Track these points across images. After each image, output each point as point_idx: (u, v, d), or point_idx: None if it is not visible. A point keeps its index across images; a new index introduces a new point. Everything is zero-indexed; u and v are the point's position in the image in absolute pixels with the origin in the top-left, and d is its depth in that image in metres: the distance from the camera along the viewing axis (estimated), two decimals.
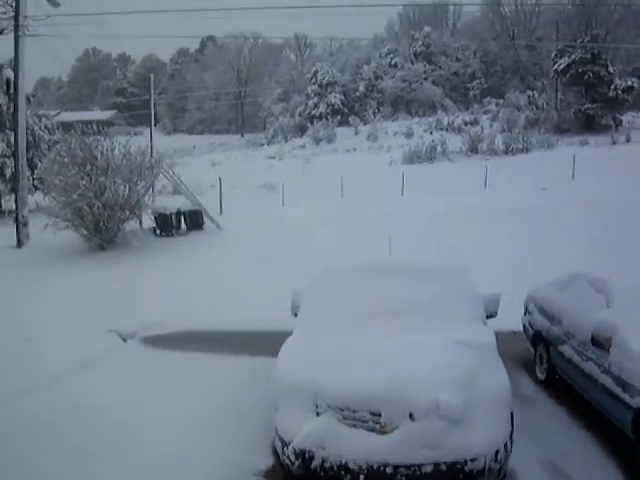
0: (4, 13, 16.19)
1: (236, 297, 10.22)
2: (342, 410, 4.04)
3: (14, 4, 16.08)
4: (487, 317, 5.51)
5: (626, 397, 4.46)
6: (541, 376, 6.49)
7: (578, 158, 23.16)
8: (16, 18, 16.10)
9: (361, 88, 56.25)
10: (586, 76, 36.24)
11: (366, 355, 4.39)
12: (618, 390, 4.59)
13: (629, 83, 37.18)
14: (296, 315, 5.80)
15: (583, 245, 11.81)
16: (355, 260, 7.26)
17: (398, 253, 7.72)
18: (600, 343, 4.89)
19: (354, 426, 3.99)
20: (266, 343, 6.38)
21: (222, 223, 17.05)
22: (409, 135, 41.57)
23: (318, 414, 4.13)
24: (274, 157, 41.54)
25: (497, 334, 7.09)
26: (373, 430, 3.94)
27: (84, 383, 6.60)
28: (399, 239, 9.41)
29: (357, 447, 3.89)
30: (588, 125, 35.93)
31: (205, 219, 17.02)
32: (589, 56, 36.51)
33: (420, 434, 3.83)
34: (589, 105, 35.99)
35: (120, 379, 6.72)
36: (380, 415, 3.93)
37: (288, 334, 5.29)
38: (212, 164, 38.78)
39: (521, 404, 5.58)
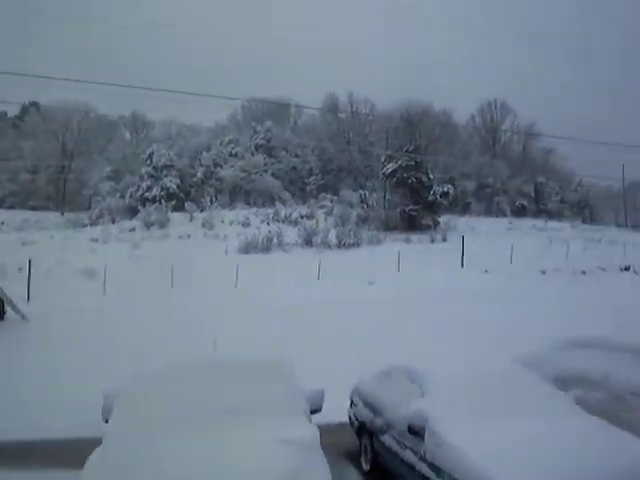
0: None
1: (45, 399, 9.25)
2: None
3: None
4: (311, 412, 5.61)
5: None
6: (366, 467, 6.80)
7: (402, 254, 25.61)
8: None
9: (199, 174, 56.40)
10: (410, 181, 40.97)
11: (178, 465, 4.16)
12: (432, 475, 5.01)
13: (445, 189, 42.97)
14: (107, 421, 5.37)
15: (407, 335, 12.93)
16: (177, 356, 7.08)
17: (224, 347, 7.75)
18: (415, 432, 5.33)
19: None
20: (76, 453, 5.86)
21: (29, 313, 15.49)
22: (246, 225, 42.38)
23: None
24: (97, 240, 38.42)
25: (326, 426, 7.43)
26: None
27: None
28: (229, 332, 9.50)
29: None
30: (411, 224, 40.19)
31: (7, 307, 15.36)
32: (413, 163, 41.50)
33: None
34: (412, 206, 40.50)
35: None
36: None
37: (97, 442, 4.89)
38: (23, 244, 34.87)
39: None
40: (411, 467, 5.46)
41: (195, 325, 13.56)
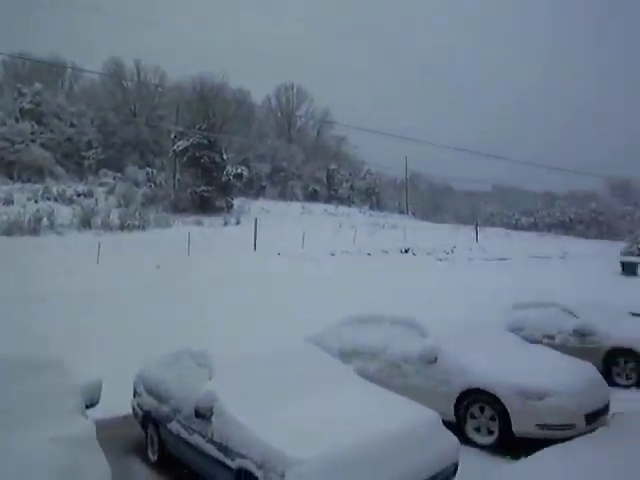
0: None
1: None
2: None
3: None
4: (88, 406, 5.50)
5: (227, 461, 5.11)
6: (153, 457, 6.76)
7: (193, 237, 25.46)
8: None
9: None
10: (202, 160, 40.45)
11: None
12: (221, 455, 5.22)
13: (239, 171, 43.35)
14: None
15: (193, 318, 13.06)
16: None
17: None
18: (203, 415, 5.48)
19: None
20: None
21: None
22: (8, 202, 37.95)
23: None
24: None
25: (109, 420, 7.20)
26: None
27: None
28: None
29: None
30: (203, 206, 39.80)
31: None
32: (206, 142, 40.99)
33: None
34: (204, 187, 40.09)
35: None
36: None
37: None
38: None
39: None
40: (200, 451, 5.60)
41: None
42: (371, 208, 58.98)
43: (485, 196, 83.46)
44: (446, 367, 7.25)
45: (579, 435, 6.39)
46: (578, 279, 20.05)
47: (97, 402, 5.73)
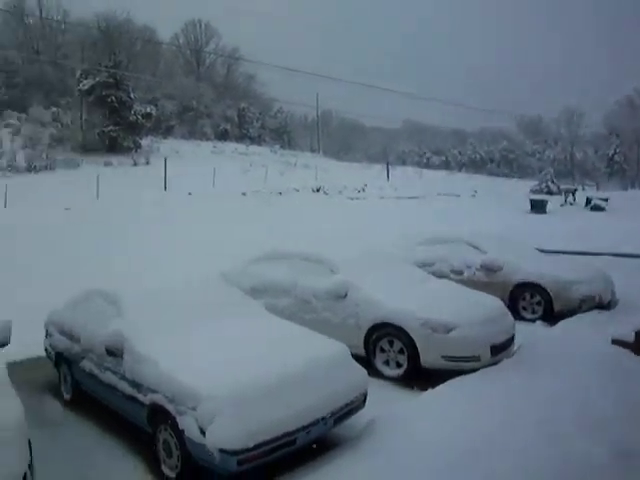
0: None
1: None
2: None
3: None
4: None
5: (140, 396, 4.94)
6: (67, 396, 6.51)
7: (102, 178, 24.06)
8: None
9: None
10: (109, 99, 37.86)
11: None
12: (133, 392, 5.04)
13: (148, 110, 40.95)
14: None
15: (111, 258, 12.44)
16: None
17: None
18: (113, 352, 5.26)
19: None
20: None
21: None
22: None
23: None
24: None
25: (22, 362, 6.79)
26: None
27: None
28: None
29: None
30: (111, 146, 37.67)
31: None
32: (112, 81, 38.28)
33: None
34: (112, 127, 37.75)
35: None
36: None
37: None
38: None
39: (47, 429, 5.53)
40: (112, 387, 5.41)
41: None
42: (282, 147, 57.19)
43: (395, 133, 79.86)
44: (355, 302, 7.02)
45: (485, 367, 6.29)
46: (487, 216, 19.70)
47: (7, 342, 5.28)
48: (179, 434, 4.46)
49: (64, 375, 6.57)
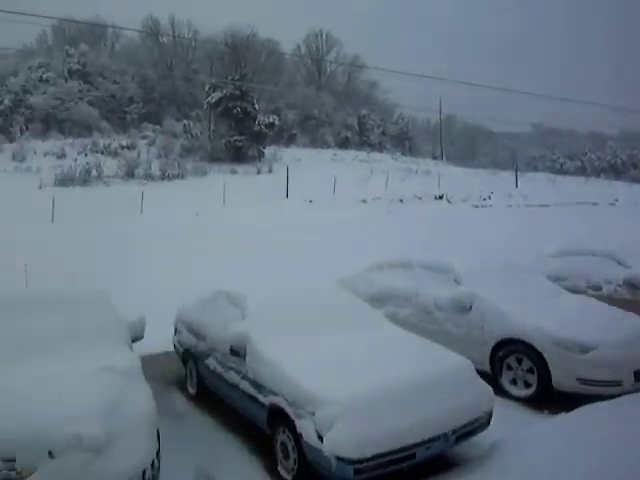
0: None
1: None
2: None
3: None
4: (134, 340, 5.59)
5: (261, 397, 5.06)
6: (192, 391, 6.84)
7: (228, 185, 25.37)
8: None
9: (6, 102, 49.87)
10: (235, 110, 39.86)
11: None
12: (254, 392, 5.17)
13: (270, 120, 42.61)
14: None
15: (233, 262, 13.02)
16: None
17: (37, 283, 7.20)
18: (237, 352, 5.44)
19: None
20: None
21: None
22: (61, 156, 38.63)
23: None
24: None
25: (153, 356, 7.28)
26: (10, 478, 3.62)
27: None
28: (44, 266, 8.79)
29: None
30: (237, 155, 39.54)
31: None
32: (238, 92, 40.29)
33: (60, 471, 3.68)
34: (237, 137, 39.66)
35: None
36: (14, 461, 3.64)
37: None
38: None
39: (173, 420, 5.84)
40: (234, 386, 5.59)
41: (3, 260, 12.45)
42: (403, 154, 56.05)
43: (524, 138, 74.80)
44: (481, 315, 6.65)
45: (626, 394, 5.56)
46: (629, 228, 17.64)
47: (141, 337, 5.81)
48: (297, 438, 4.50)
49: (190, 371, 6.92)
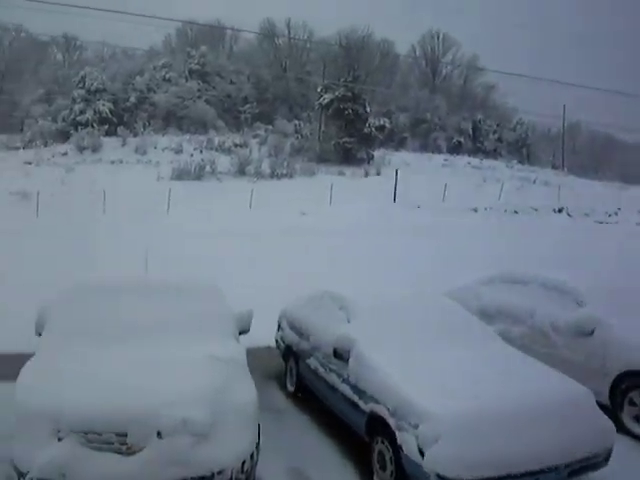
0: None
1: None
2: (86, 433, 3.90)
3: None
4: (240, 333, 5.74)
5: (361, 403, 5.02)
6: (291, 388, 6.95)
7: (335, 186, 25.62)
8: None
9: (132, 99, 54.11)
10: (346, 112, 40.20)
11: (111, 374, 4.30)
12: (355, 397, 5.14)
13: (382, 122, 42.63)
14: (40, 334, 5.44)
15: (338, 264, 13.10)
16: (109, 276, 7.02)
17: (155, 271, 7.64)
18: (340, 355, 5.43)
19: (99, 449, 3.89)
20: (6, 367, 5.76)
21: None
22: (179, 152, 41.21)
23: (60, 439, 3.91)
24: (31, 163, 37.68)
25: (254, 350, 7.49)
26: (120, 452, 3.89)
27: None
28: (159, 257, 9.34)
29: (102, 471, 3.81)
30: (345, 157, 39.77)
31: None
32: (350, 94, 40.61)
33: (167, 452, 3.89)
34: (347, 139, 39.94)
35: None
36: (126, 436, 3.90)
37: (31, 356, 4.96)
38: None
39: (271, 415, 5.94)
40: (334, 389, 5.60)
41: (124, 245, 13.65)
42: (520, 162, 52.76)
43: None
44: (603, 342, 6.14)
45: None
46: None
47: (248, 330, 5.97)
48: (396, 449, 4.41)
49: (290, 368, 7.03)
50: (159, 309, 5.34)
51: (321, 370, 5.97)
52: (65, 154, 42.01)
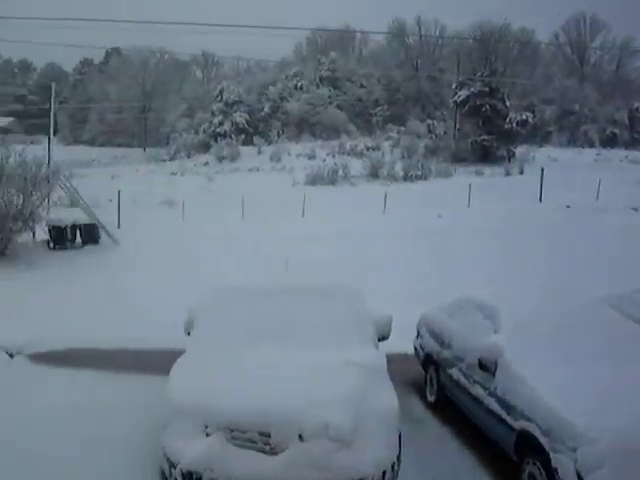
0: None
1: (136, 313, 9.98)
2: (231, 430, 4.12)
3: None
4: (379, 339, 5.73)
5: (509, 419, 4.75)
6: (431, 398, 6.79)
7: (473, 187, 24.74)
8: None
9: (266, 109, 57.31)
10: (483, 108, 38.80)
11: (257, 375, 4.49)
12: (502, 412, 4.88)
13: (523, 117, 40.47)
14: (189, 334, 5.86)
15: (475, 269, 12.61)
16: (251, 279, 7.34)
17: (295, 274, 7.86)
18: (486, 367, 5.19)
19: (243, 447, 4.08)
20: (161, 362, 6.28)
21: (119, 238, 17.26)
22: (312, 157, 42.58)
23: (208, 434, 4.18)
24: (176, 173, 41.56)
25: (389, 356, 7.43)
26: (263, 451, 4.06)
27: None
28: (297, 259, 9.65)
29: (246, 468, 3.98)
30: (484, 156, 38.35)
31: (101, 233, 17.22)
32: (487, 89, 39.19)
33: (309, 455, 3.97)
34: (485, 136, 38.45)
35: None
36: (269, 436, 4.06)
37: (182, 353, 5.39)
38: (112, 177, 37.85)
39: (410, 425, 5.81)
40: (479, 402, 5.38)
41: (264, 249, 14.36)
42: None
43: None
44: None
45: None
46: None
47: (387, 336, 5.94)
48: (551, 473, 4.12)
49: (430, 377, 6.87)
50: (301, 312, 5.50)
51: (464, 381, 5.78)
52: (206, 164, 45.71)
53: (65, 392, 6.71)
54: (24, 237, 16.02)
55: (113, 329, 9.30)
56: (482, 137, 38.55)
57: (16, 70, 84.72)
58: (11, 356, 8.52)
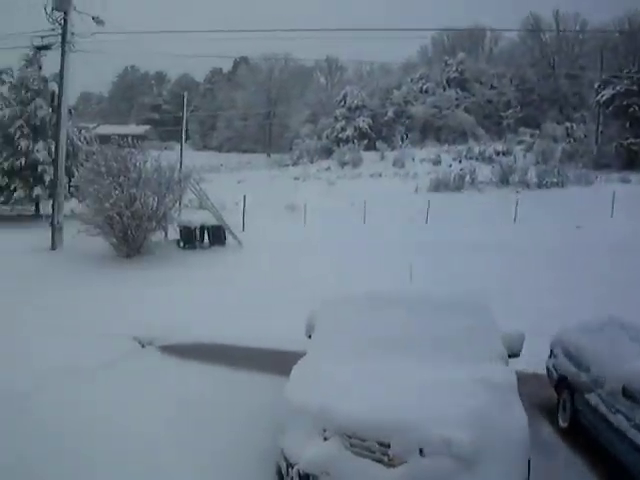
0: (53, 30, 17.91)
1: (259, 314, 10.46)
2: (350, 437, 4.11)
3: (62, 22, 17.71)
4: (509, 356, 5.48)
5: None
6: (563, 424, 6.37)
7: (618, 196, 22.93)
8: (63, 35, 17.78)
9: (390, 113, 57.19)
10: (631, 109, 36.20)
11: (380, 385, 4.44)
12: None
13: None
14: (310, 337, 5.95)
15: (615, 289, 11.60)
16: (374, 286, 7.28)
17: (418, 283, 7.74)
18: (632, 395, 4.77)
19: (361, 455, 4.05)
20: (282, 362, 6.45)
21: (244, 240, 18.19)
22: (437, 163, 41.93)
23: (326, 439, 4.20)
24: (299, 178, 42.85)
25: (518, 375, 7.05)
26: (380, 461, 3.99)
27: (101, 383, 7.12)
28: (419, 268, 9.48)
29: (362, 477, 3.95)
30: (631, 161, 35.55)
31: (227, 235, 18.31)
32: (635, 88, 36.44)
33: (429, 471, 3.85)
34: (633, 140, 35.68)
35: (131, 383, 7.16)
36: (389, 447, 3.98)
37: (302, 355, 5.51)
38: (238, 182, 40.14)
39: (539, 451, 5.46)
40: (621, 433, 4.93)
41: (383, 257, 14.48)
42: None
43: None
44: None
45: None
46: None
47: (518, 354, 5.68)
48: None
49: (563, 401, 6.45)
50: (427, 323, 5.40)
51: (603, 409, 5.34)
52: (328, 169, 46.68)
53: (189, 383, 7.14)
54: (157, 236, 17.54)
55: (236, 327, 9.73)
56: (629, 140, 35.75)
57: (152, 82, 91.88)
58: (143, 346, 9.17)
